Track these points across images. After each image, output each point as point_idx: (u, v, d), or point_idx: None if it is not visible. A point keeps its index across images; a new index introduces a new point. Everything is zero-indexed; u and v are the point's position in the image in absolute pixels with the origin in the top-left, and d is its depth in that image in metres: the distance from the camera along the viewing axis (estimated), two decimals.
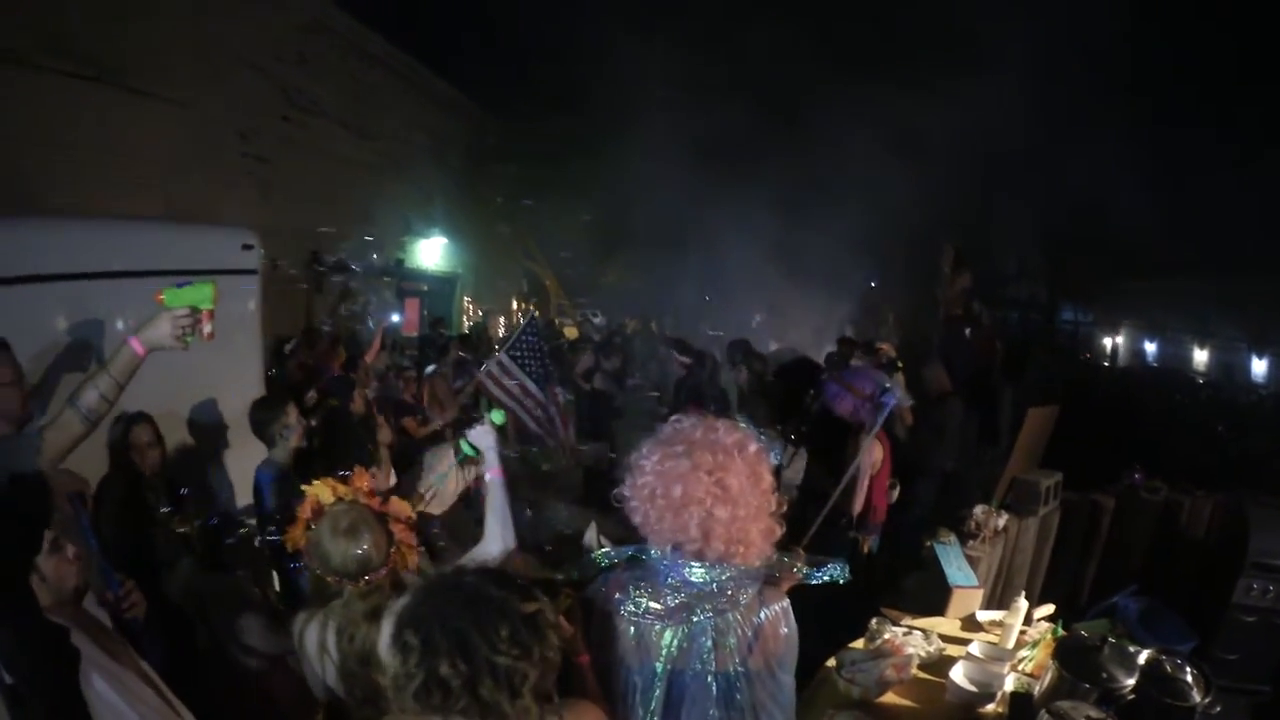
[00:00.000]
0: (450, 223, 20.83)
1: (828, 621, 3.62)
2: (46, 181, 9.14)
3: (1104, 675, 2.95)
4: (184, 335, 3.04)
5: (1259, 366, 26.30)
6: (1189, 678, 3.10)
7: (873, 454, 5.37)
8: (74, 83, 10.06)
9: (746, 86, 18.27)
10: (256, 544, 4.18)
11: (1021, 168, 23.78)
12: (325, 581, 2.67)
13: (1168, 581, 6.20)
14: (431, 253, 20.29)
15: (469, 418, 5.29)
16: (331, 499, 2.73)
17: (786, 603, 2.52)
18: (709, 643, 2.39)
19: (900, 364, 8.59)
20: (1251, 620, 5.91)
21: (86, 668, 2.33)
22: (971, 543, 5.06)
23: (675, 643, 2.40)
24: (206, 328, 3.11)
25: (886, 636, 3.78)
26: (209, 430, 5.09)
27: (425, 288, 19.55)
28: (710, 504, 2.35)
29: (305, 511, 2.72)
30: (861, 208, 18.17)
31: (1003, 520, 5.35)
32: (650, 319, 19.07)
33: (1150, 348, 32.12)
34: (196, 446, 5.01)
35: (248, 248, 5.26)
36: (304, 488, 2.81)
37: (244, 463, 4.97)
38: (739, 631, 2.40)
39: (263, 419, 4.71)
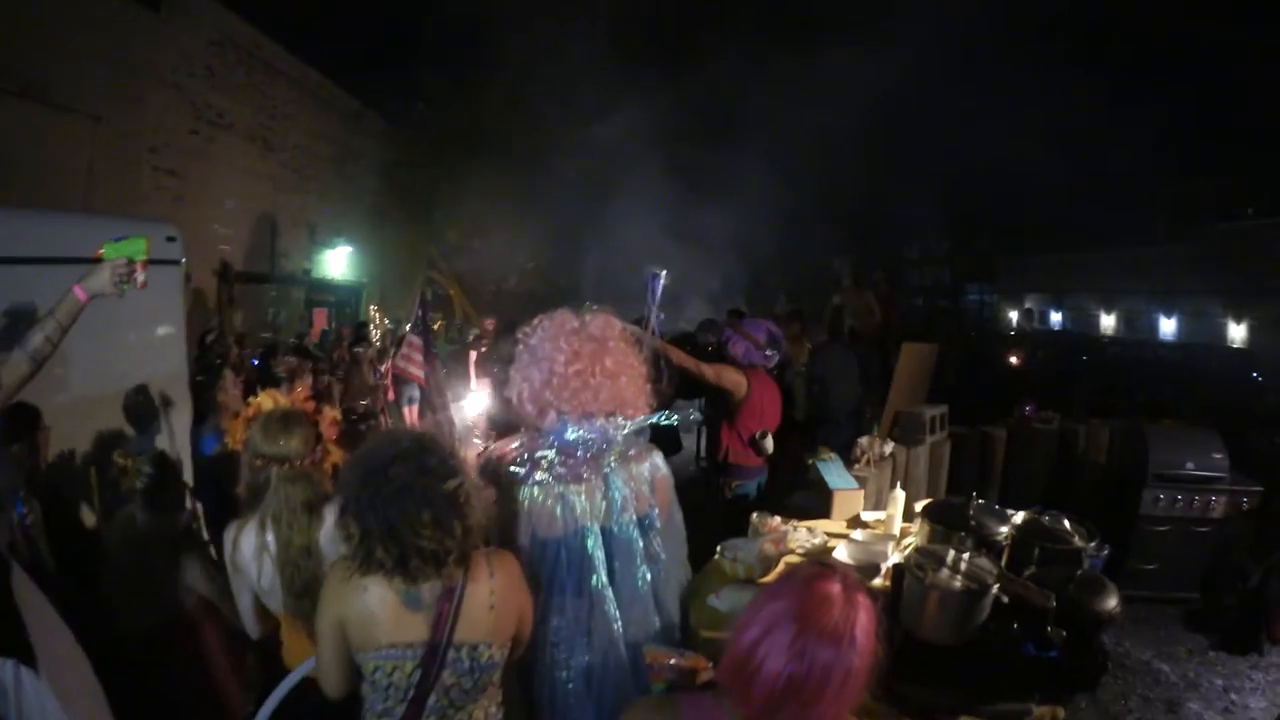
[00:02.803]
0: (355, 233, 20.83)
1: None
2: None
3: (974, 524, 3.22)
4: (121, 283, 3.29)
5: (1166, 325, 27.24)
6: (1067, 525, 3.41)
7: (727, 374, 5.68)
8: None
9: (640, 73, 18.37)
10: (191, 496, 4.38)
11: (921, 147, 24.21)
12: (254, 482, 2.97)
13: (1073, 503, 6.43)
14: (338, 263, 20.18)
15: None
16: (271, 405, 3.01)
17: (658, 451, 2.97)
18: (626, 491, 2.76)
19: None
20: (1164, 529, 6.39)
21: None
22: (857, 466, 5.37)
23: (598, 501, 2.75)
24: (140, 276, 3.36)
25: (768, 525, 4.09)
26: (142, 404, 5.34)
27: (332, 298, 19.57)
28: (619, 375, 2.80)
29: (248, 413, 3.01)
30: (758, 191, 18.48)
31: (889, 448, 5.70)
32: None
33: (1056, 317, 33.03)
34: (129, 414, 5.26)
35: (170, 240, 5.54)
36: (250, 397, 3.12)
37: (169, 428, 5.41)
38: (643, 478, 2.80)
39: (202, 386, 5.04)
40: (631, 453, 2.87)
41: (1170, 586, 6.41)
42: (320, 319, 18.30)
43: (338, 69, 19.86)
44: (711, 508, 5.78)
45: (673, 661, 2.48)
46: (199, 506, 4.47)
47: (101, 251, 3.36)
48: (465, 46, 20.72)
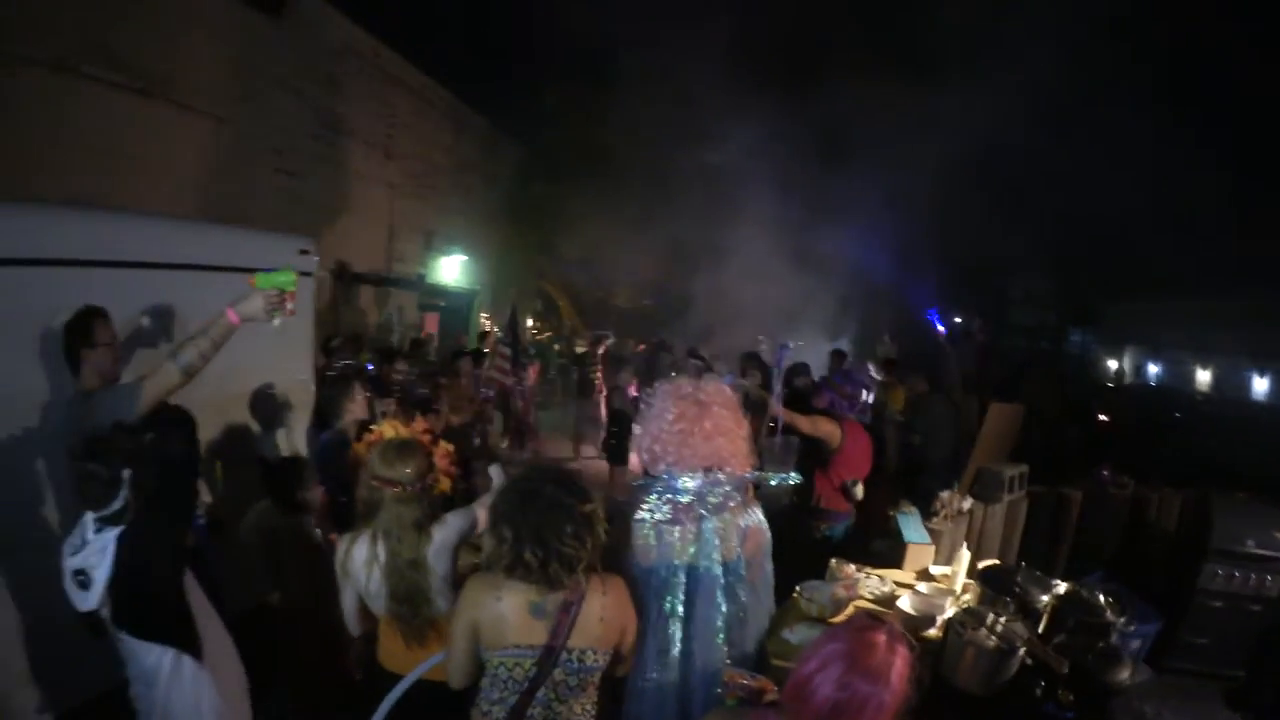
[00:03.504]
0: (470, 241, 21.26)
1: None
2: (91, 186, 9.66)
3: (1018, 590, 3.54)
4: (272, 311, 3.77)
5: (1259, 384, 26.56)
6: (1102, 600, 3.69)
7: (822, 425, 6.07)
8: (123, 94, 10.60)
9: (756, 102, 18.52)
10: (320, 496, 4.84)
11: (1028, 191, 23.98)
12: (371, 499, 3.37)
13: (1137, 570, 6.53)
14: (451, 269, 20.70)
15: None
16: (393, 434, 3.46)
17: (759, 506, 3.46)
18: (716, 540, 3.22)
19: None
20: (1218, 605, 6.27)
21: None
22: (935, 519, 5.61)
23: (690, 543, 3.22)
24: (289, 305, 3.89)
25: (843, 571, 4.45)
26: (270, 404, 5.89)
27: (444, 303, 20.16)
28: (716, 436, 3.27)
29: (370, 438, 3.47)
30: (868, 223, 18.58)
31: (967, 503, 5.93)
32: (663, 338, 19.47)
33: (1154, 369, 32.36)
34: (257, 417, 5.79)
35: (305, 252, 6.04)
36: (373, 426, 3.59)
37: (293, 430, 6.04)
38: (735, 528, 3.27)
39: (333, 395, 5.59)
40: (731, 505, 3.31)
41: (1218, 662, 6.31)
42: (431, 323, 18.84)
43: (459, 82, 20.34)
44: (799, 548, 5.92)
45: (745, 682, 2.97)
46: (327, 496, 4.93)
47: (254, 281, 3.82)
48: (587, 63, 21.07)
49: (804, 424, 6.17)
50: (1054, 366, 27.38)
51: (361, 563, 3.33)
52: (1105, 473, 7.41)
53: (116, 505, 3.02)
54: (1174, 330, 30.32)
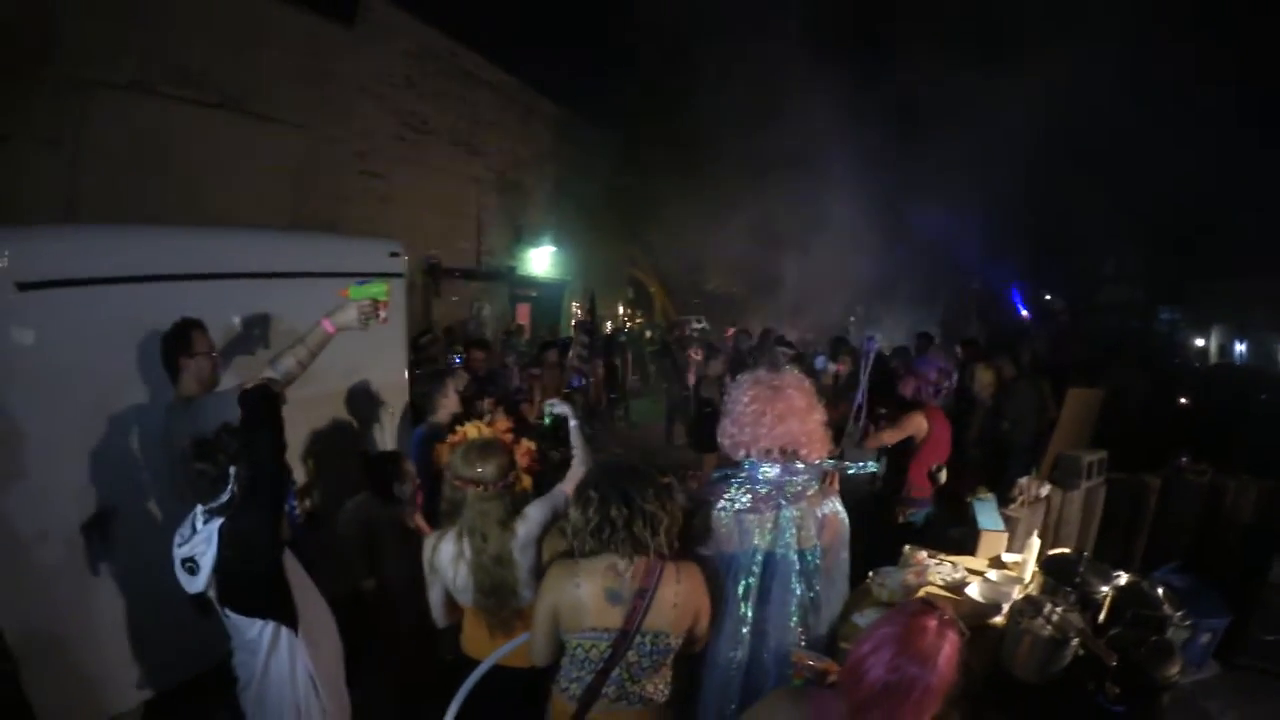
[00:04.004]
0: (559, 232, 21.52)
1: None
2: (177, 200, 10.12)
3: (1079, 580, 3.65)
4: (366, 320, 4.05)
5: None
6: (1160, 594, 3.78)
7: (911, 424, 6.20)
8: (198, 109, 11.02)
9: (840, 86, 18.38)
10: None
11: (1117, 166, 23.50)
12: (455, 498, 3.57)
13: (1213, 560, 6.39)
14: (541, 260, 21.01)
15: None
16: (476, 434, 3.70)
17: (838, 496, 3.69)
18: (793, 528, 3.45)
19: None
20: None
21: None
22: (1012, 506, 5.63)
23: (768, 530, 3.45)
24: (382, 314, 4.14)
25: (915, 558, 4.59)
26: (365, 400, 6.19)
27: (535, 294, 20.43)
28: (788, 418, 3.47)
29: (454, 439, 3.72)
30: (957, 203, 18.67)
31: (1045, 490, 5.91)
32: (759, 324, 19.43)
33: (1240, 348, 31.44)
34: (354, 414, 6.10)
35: (395, 255, 6.31)
36: (458, 426, 3.85)
37: (387, 426, 6.35)
38: (813, 516, 3.48)
39: (427, 391, 5.94)
40: (808, 494, 3.53)
41: None
42: (523, 314, 19.21)
43: (539, 75, 20.57)
44: (883, 533, 6.12)
45: (811, 663, 3.14)
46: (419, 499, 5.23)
47: (347, 292, 4.07)
48: (668, 48, 21.06)
49: (890, 436, 6.35)
50: (1142, 348, 26.78)
51: (449, 559, 3.50)
52: (1184, 459, 7.21)
53: (224, 499, 3.30)
54: (1262, 309, 29.44)
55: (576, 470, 3.76)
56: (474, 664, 3.46)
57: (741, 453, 3.56)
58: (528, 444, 3.90)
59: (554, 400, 4.20)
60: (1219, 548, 6.67)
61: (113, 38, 9.87)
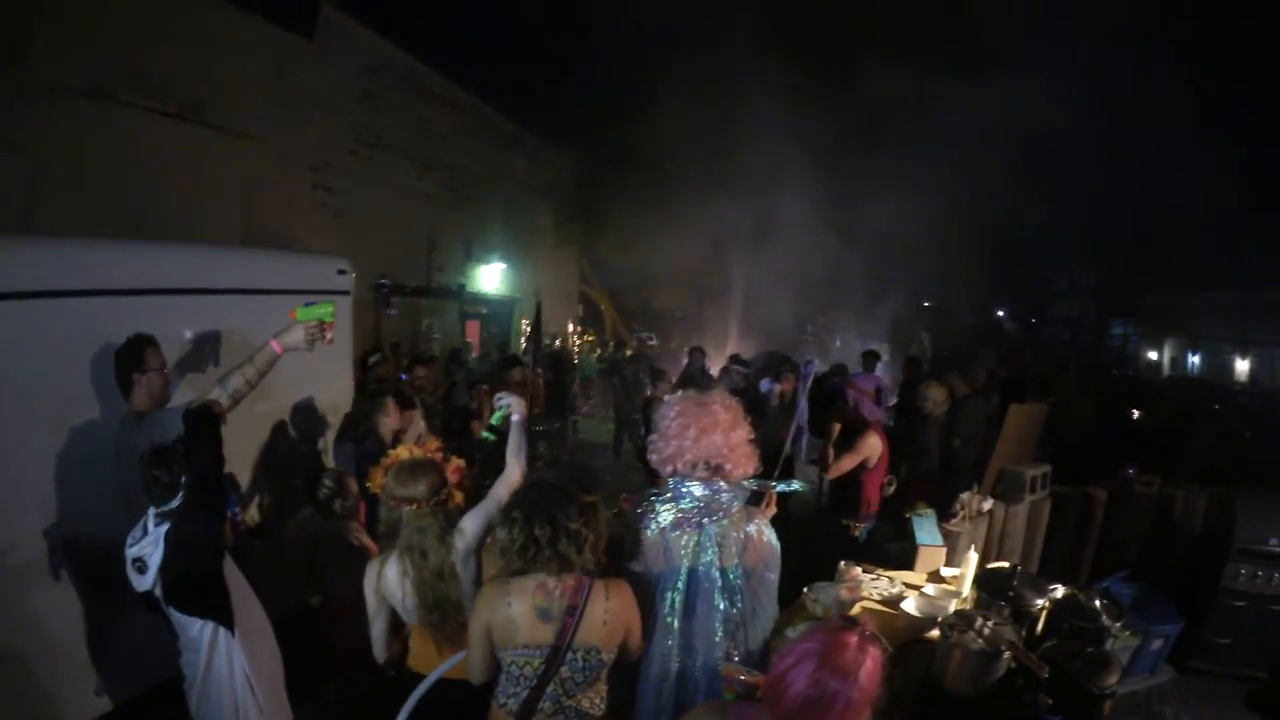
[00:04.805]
0: (509, 249, 21.50)
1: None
2: (132, 209, 9.96)
3: (1012, 594, 3.70)
4: (313, 341, 4.21)
5: None
6: (1099, 605, 3.82)
7: (868, 447, 6.22)
8: (158, 119, 10.97)
9: (789, 99, 18.46)
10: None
11: (1070, 182, 23.81)
12: (391, 519, 3.65)
13: (1163, 570, 6.50)
14: (491, 278, 20.99)
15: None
16: (407, 455, 3.75)
17: (766, 519, 3.68)
18: (713, 546, 3.46)
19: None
20: (1242, 605, 6.21)
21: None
22: (953, 521, 5.64)
23: (691, 547, 3.45)
24: (328, 335, 4.31)
25: (849, 573, 4.62)
26: (311, 417, 6.18)
27: (485, 311, 20.39)
28: (712, 432, 3.47)
29: (386, 462, 3.77)
30: (906, 222, 18.68)
31: (988, 504, 5.94)
32: (710, 342, 19.47)
33: (1194, 359, 32.00)
34: (300, 431, 6.08)
35: (342, 273, 6.31)
36: (390, 450, 3.89)
37: (332, 445, 6.34)
38: (733, 536, 3.48)
39: (368, 409, 6.00)
40: (734, 513, 3.53)
41: (1241, 663, 6.24)
42: (473, 332, 19.17)
43: (494, 92, 20.59)
44: (830, 546, 6.16)
45: (741, 677, 3.18)
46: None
47: (294, 314, 4.19)
48: (621, 69, 21.17)
49: (849, 462, 6.39)
50: (1092, 362, 27.13)
51: (395, 580, 3.56)
52: (1131, 471, 7.30)
53: (175, 504, 3.50)
54: (1215, 322, 29.97)
55: (511, 473, 3.86)
56: (419, 679, 3.50)
57: (668, 469, 3.58)
58: (457, 461, 3.94)
59: (503, 394, 4.20)
60: (1167, 557, 6.79)
61: (76, 43, 9.82)
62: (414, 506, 3.55)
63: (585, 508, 3.11)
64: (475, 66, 19.70)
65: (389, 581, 3.59)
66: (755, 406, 9.02)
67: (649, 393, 10.95)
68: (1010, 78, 17.88)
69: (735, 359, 11.84)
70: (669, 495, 3.57)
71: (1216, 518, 6.75)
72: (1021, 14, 18.87)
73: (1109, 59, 20.14)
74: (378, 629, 3.71)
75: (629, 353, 18.01)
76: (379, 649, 3.76)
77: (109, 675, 4.52)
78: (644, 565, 3.51)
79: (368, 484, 3.97)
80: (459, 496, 3.81)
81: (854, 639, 2.22)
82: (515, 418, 4.05)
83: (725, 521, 3.49)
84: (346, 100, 15.36)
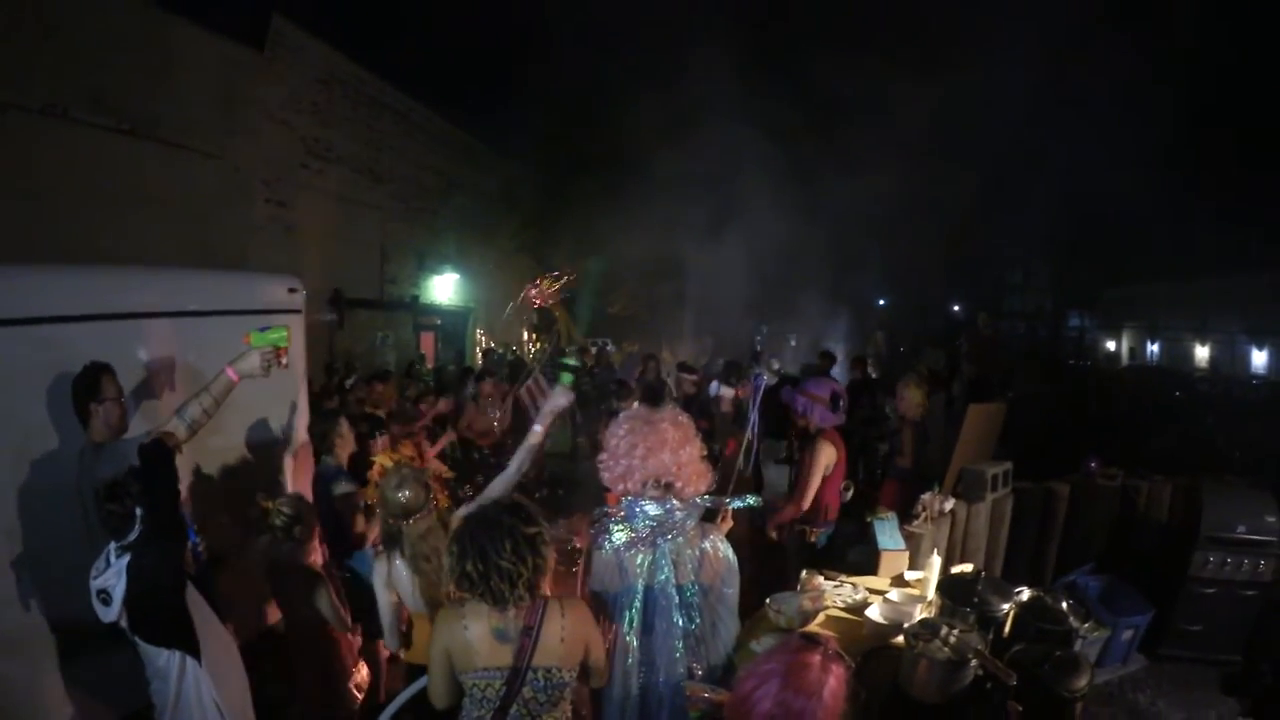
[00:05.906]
0: (462, 259, 21.51)
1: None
2: (86, 227, 9.96)
3: (977, 600, 3.66)
4: (268, 366, 4.26)
5: (1258, 359, 26.87)
6: (1065, 607, 3.80)
7: (825, 456, 6.14)
8: (111, 136, 10.88)
9: (743, 99, 18.49)
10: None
11: (1028, 172, 23.98)
12: (391, 531, 3.91)
13: (1130, 561, 6.60)
14: (445, 288, 20.98)
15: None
16: (390, 463, 3.75)
17: (722, 534, 3.68)
18: (668, 564, 3.46)
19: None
20: (1211, 592, 6.27)
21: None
22: (916, 522, 5.61)
23: (646, 565, 3.46)
24: (283, 360, 4.36)
25: (811, 583, 4.56)
26: (266, 440, 6.00)
27: (439, 322, 20.31)
28: (660, 450, 3.46)
29: (374, 474, 3.80)
30: (862, 220, 18.92)
31: (949, 504, 5.91)
32: (658, 348, 19.34)
33: (1153, 348, 32.37)
34: (256, 452, 5.92)
35: (292, 291, 6.17)
36: (372, 458, 3.93)
37: (290, 464, 6.13)
38: (688, 553, 3.48)
39: (324, 430, 5.88)
40: (689, 531, 3.52)
41: (1213, 649, 6.29)
42: (427, 343, 19.05)
43: (444, 102, 20.61)
44: (797, 558, 6.00)
45: (706, 695, 3.14)
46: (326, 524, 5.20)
47: (249, 339, 4.24)
48: (570, 76, 21.22)
49: (815, 479, 6.24)
50: (1049, 356, 27.33)
51: (406, 574, 3.86)
52: (1093, 464, 7.26)
53: (133, 536, 3.50)
54: (1173, 311, 30.34)
55: (509, 473, 3.92)
56: (419, 671, 3.51)
57: (619, 488, 3.58)
58: (437, 465, 4.02)
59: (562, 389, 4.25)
60: (1133, 548, 6.82)
61: (25, 60, 9.74)
62: (411, 521, 3.84)
63: (524, 541, 3.00)
64: (427, 77, 19.75)
65: (400, 574, 3.88)
66: (705, 411, 9.01)
67: (615, 405, 10.89)
68: (961, 73, 18.00)
69: (683, 366, 11.76)
70: (623, 515, 3.57)
71: (1182, 507, 6.79)
72: (975, 7, 19.01)
73: (1063, 53, 20.34)
74: (388, 621, 4.00)
75: (590, 364, 17.97)
76: (390, 639, 4.07)
77: (78, 708, 4.45)
78: (600, 584, 3.51)
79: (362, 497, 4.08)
80: (444, 500, 4.08)
81: (817, 658, 2.22)
82: (537, 427, 4.10)
83: (680, 539, 3.49)
84: (296, 113, 15.30)
